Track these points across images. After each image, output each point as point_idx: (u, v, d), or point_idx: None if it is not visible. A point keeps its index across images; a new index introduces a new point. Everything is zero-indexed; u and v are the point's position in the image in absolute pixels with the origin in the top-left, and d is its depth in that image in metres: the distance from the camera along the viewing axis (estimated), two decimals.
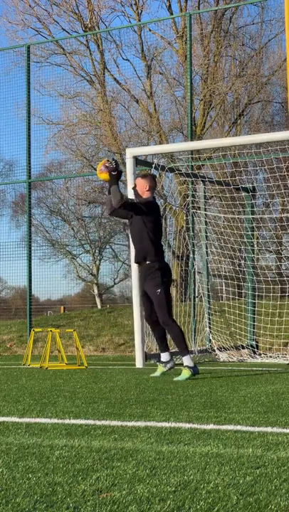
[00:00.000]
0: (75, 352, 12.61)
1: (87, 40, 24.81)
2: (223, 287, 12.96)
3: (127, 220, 9.05)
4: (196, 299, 13.04)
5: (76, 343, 11.58)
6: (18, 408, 5.45)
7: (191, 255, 12.99)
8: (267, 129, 23.51)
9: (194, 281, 12.93)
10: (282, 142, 11.68)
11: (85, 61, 24.86)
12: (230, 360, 11.94)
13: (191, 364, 8.24)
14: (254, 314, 12.92)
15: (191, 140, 15.45)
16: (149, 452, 3.52)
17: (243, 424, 4.41)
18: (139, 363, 10.62)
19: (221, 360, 11.93)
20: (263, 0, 23.80)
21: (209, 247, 13.15)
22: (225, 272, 13.05)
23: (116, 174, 8.31)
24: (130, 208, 8.49)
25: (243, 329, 12.88)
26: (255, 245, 14.36)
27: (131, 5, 25.70)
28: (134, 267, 10.36)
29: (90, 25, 25.32)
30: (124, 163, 15.18)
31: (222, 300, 13.27)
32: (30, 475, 3.07)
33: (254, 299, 12.99)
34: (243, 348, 12.54)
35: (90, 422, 4.62)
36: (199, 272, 13.07)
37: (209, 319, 12.75)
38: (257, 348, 12.68)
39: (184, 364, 8.25)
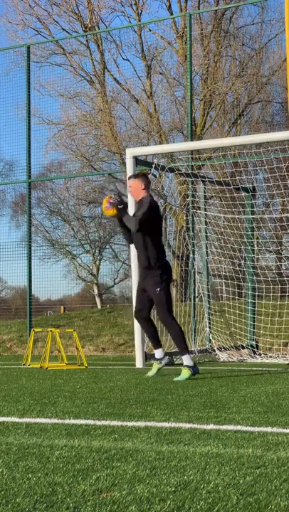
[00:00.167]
0: (75, 352, 12.61)
1: (87, 40, 24.81)
2: (223, 287, 12.96)
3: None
4: (196, 299, 13.04)
5: (76, 343, 11.58)
6: (18, 408, 5.45)
7: (191, 255, 12.99)
8: (267, 129, 23.51)
9: (194, 281, 12.93)
10: (282, 142, 11.68)
11: (85, 61, 24.88)
12: (231, 360, 11.94)
13: (191, 363, 8.23)
14: (254, 314, 12.92)
15: (191, 140, 15.45)
16: (149, 452, 3.52)
17: (243, 424, 4.41)
18: (139, 363, 10.62)
19: (221, 360, 11.93)
20: (263, 0, 23.81)
21: (209, 247, 13.15)
22: (225, 271, 13.05)
23: (122, 207, 8.31)
24: (145, 224, 8.40)
25: (243, 329, 12.88)
26: (255, 245, 14.36)
27: (131, 5, 25.71)
28: (134, 267, 10.37)
29: (90, 25, 25.32)
30: (124, 164, 15.22)
31: (222, 300, 13.27)
32: (30, 475, 3.07)
33: (254, 299, 12.99)
34: (243, 348, 12.54)
35: (90, 422, 4.62)
36: (199, 272, 13.07)
37: (209, 319, 12.75)
38: (257, 348, 12.68)
39: (184, 364, 8.25)
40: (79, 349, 11.44)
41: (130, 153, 11.14)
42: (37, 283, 17.31)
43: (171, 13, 25.80)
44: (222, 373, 9.18)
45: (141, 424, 4.48)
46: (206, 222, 12.94)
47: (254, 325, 12.87)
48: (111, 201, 8.31)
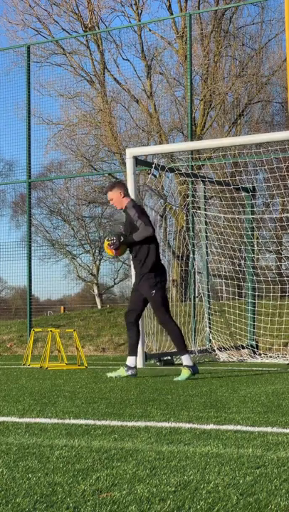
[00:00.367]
0: (75, 352, 12.61)
1: (87, 40, 24.81)
2: (223, 287, 12.96)
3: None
4: (196, 299, 13.04)
5: (76, 343, 11.58)
6: (18, 408, 5.45)
7: (191, 255, 12.99)
8: (267, 129, 23.51)
9: (194, 281, 12.93)
10: (282, 142, 11.68)
11: (85, 61, 24.88)
12: (231, 360, 11.94)
13: (191, 363, 8.23)
14: (254, 314, 12.92)
15: (191, 140, 15.45)
16: (149, 452, 3.52)
17: (243, 424, 4.41)
18: (139, 363, 10.61)
19: (221, 360, 11.93)
20: (263, 0, 23.81)
21: (209, 247, 13.15)
22: (225, 271, 13.05)
23: (122, 241, 8.36)
24: (151, 225, 8.42)
25: (243, 329, 12.88)
26: (255, 245, 14.36)
27: (131, 5, 25.72)
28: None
29: (90, 25, 25.32)
30: (124, 164, 15.23)
31: (222, 300, 13.27)
32: (30, 475, 3.07)
33: (254, 299, 12.99)
34: (243, 348, 12.54)
35: (90, 422, 4.62)
36: (199, 272, 13.07)
37: (209, 319, 12.75)
38: (257, 348, 12.68)
39: (184, 364, 8.24)
40: (79, 349, 11.44)
41: (130, 153, 11.13)
42: (37, 283, 17.32)
43: (171, 13, 25.80)
44: (222, 373, 9.18)
45: (141, 424, 4.48)
46: (206, 222, 12.94)
47: (254, 325, 12.87)
48: (112, 246, 8.36)
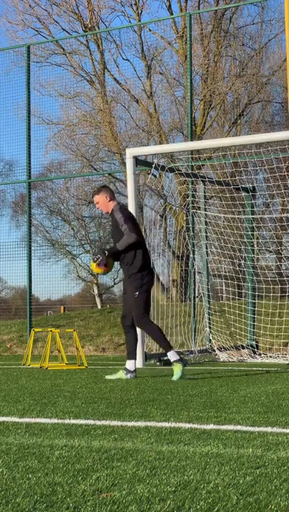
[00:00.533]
0: (75, 352, 12.61)
1: (87, 40, 24.81)
2: (223, 287, 12.96)
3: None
4: (196, 299, 13.04)
5: (76, 343, 11.59)
6: (18, 408, 5.45)
7: (191, 255, 12.99)
8: (267, 129, 23.51)
9: (194, 281, 12.93)
10: (282, 142, 11.68)
11: (85, 61, 24.87)
12: (231, 360, 11.94)
13: (178, 357, 8.18)
14: (254, 314, 12.92)
15: (191, 140, 15.46)
16: (149, 452, 3.52)
17: (243, 424, 4.41)
18: (139, 363, 10.61)
19: (221, 360, 11.93)
20: (263, 0, 23.81)
21: (209, 247, 13.15)
22: (225, 271, 13.05)
23: (106, 257, 8.34)
24: (135, 231, 8.39)
25: (243, 329, 12.88)
26: (255, 245, 14.36)
27: (131, 5, 25.72)
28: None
29: (90, 25, 25.32)
30: (124, 164, 15.24)
31: (222, 300, 13.27)
32: (30, 475, 3.07)
33: (254, 299, 12.99)
34: (243, 348, 12.54)
35: (90, 422, 4.62)
36: (199, 272, 13.07)
37: (209, 319, 12.75)
38: (257, 348, 12.68)
39: (172, 360, 8.18)
40: (79, 349, 11.44)
41: (130, 153, 11.13)
42: (37, 283, 17.33)
43: (171, 13, 25.80)
44: (222, 373, 9.18)
45: (141, 424, 4.48)
46: (206, 222, 12.94)
47: (254, 325, 12.87)
48: (100, 264, 8.34)
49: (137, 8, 25.59)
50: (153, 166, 11.74)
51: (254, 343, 12.73)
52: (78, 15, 25.64)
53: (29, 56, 17.21)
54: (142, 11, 25.75)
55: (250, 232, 13.13)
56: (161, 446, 3.70)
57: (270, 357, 12.05)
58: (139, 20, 25.25)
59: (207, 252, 12.99)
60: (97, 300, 28.68)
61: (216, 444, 3.71)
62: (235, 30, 24.93)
